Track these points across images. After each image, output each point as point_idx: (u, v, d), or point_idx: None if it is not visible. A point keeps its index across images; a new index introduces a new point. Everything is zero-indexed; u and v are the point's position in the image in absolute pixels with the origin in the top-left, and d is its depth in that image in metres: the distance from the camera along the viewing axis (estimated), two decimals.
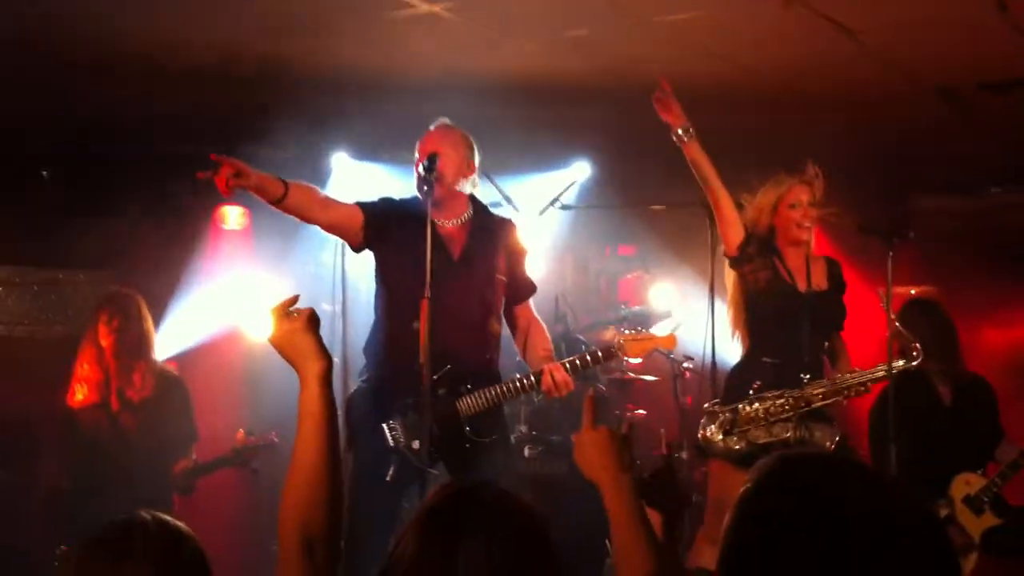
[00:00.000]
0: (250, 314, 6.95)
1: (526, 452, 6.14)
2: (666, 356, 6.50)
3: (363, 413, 4.25)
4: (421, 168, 4.09)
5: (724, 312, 5.36)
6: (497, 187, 5.69)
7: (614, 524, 2.14)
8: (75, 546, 1.90)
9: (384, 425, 4.16)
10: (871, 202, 5.10)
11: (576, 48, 5.63)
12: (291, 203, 4.09)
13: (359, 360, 4.45)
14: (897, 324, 4.61)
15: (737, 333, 4.79)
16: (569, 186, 6.55)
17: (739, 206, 4.76)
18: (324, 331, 6.16)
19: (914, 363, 4.54)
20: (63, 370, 5.32)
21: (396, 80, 6.13)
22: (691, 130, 4.60)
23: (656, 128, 6.19)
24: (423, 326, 3.92)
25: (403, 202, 4.34)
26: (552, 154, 7.13)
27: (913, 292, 6.76)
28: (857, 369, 4.58)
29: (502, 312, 4.39)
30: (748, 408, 4.53)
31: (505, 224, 4.49)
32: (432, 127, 4.38)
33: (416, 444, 4.09)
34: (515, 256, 4.43)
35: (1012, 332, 7.26)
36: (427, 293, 3.92)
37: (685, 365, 6.32)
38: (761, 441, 4.45)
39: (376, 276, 4.37)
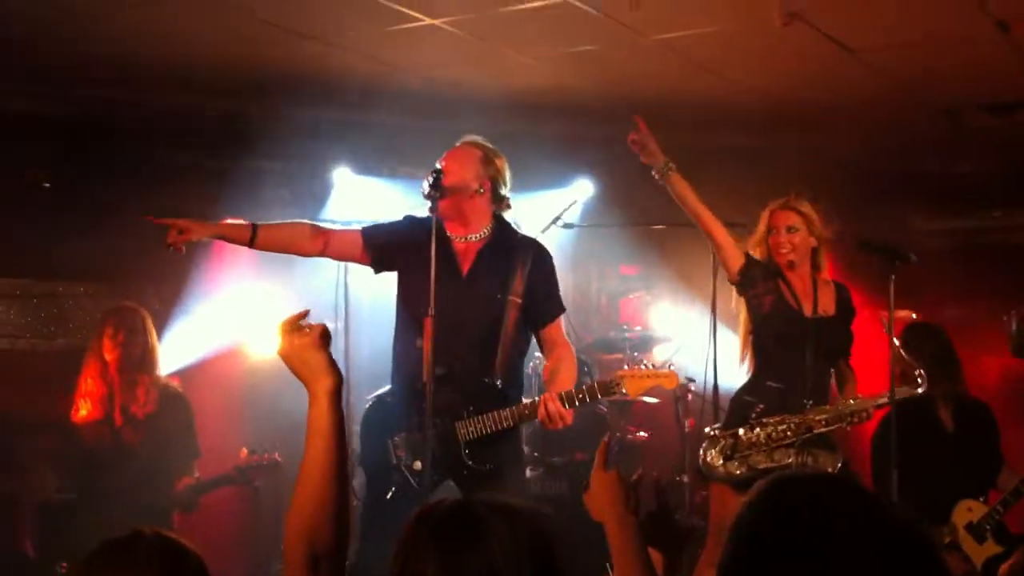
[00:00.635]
0: (253, 330, 6.95)
1: (527, 473, 6.12)
2: None
3: (372, 428, 4.24)
4: (424, 183, 4.09)
5: (726, 334, 5.38)
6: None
7: (618, 563, 2.19)
8: (79, 561, 1.88)
9: (389, 441, 4.14)
10: (871, 223, 5.09)
11: (578, 65, 5.64)
12: (264, 244, 4.24)
13: (362, 376, 4.45)
14: (900, 349, 4.61)
15: (745, 356, 4.78)
16: (571, 204, 6.55)
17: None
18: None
19: (919, 390, 4.53)
20: (64, 383, 5.31)
21: (398, 94, 6.13)
22: (671, 165, 4.61)
23: (660, 145, 6.18)
24: (426, 343, 3.91)
25: (419, 219, 4.31)
26: (554, 172, 7.13)
27: (915, 316, 6.75)
28: (860, 396, 4.57)
29: (519, 334, 4.25)
30: (749, 433, 4.51)
31: (528, 244, 4.38)
32: (458, 143, 4.37)
33: (417, 464, 4.05)
34: (537, 277, 4.29)
35: (1013, 356, 7.23)
36: (431, 310, 3.90)
37: (688, 387, 6.30)
38: (762, 466, 4.43)
39: (396, 293, 4.36)
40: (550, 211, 6.30)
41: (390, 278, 4.40)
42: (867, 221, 4.79)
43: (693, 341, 5.89)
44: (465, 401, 4.10)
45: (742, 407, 4.66)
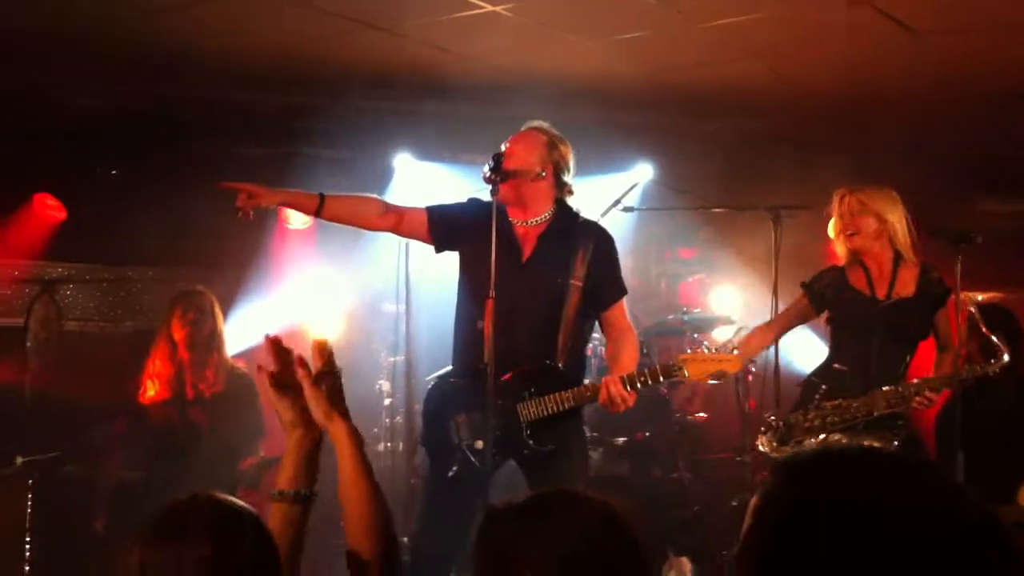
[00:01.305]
0: (315, 311, 7.04)
1: (590, 454, 6.15)
2: None
3: (434, 408, 4.27)
4: (485, 167, 4.11)
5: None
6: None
7: (350, 472, 2.14)
8: (143, 527, 1.95)
9: (451, 422, 4.19)
10: (937, 205, 5.02)
11: (634, 50, 5.63)
12: (332, 214, 4.28)
13: (424, 359, 4.49)
14: (982, 327, 4.58)
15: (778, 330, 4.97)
16: (631, 188, 6.53)
17: None
18: (388, 331, 6.24)
19: (1004, 362, 4.46)
20: (133, 366, 5.43)
21: (459, 80, 6.17)
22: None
23: (716, 131, 6.18)
24: (487, 325, 3.93)
25: (482, 203, 4.31)
26: (614, 156, 7.13)
27: (980, 298, 6.65)
28: (924, 377, 4.53)
29: (581, 317, 4.25)
30: (803, 418, 4.50)
31: (590, 228, 4.36)
32: (521, 128, 4.39)
33: (479, 443, 4.07)
34: (599, 260, 4.27)
35: None
36: (491, 292, 3.91)
37: (749, 369, 6.28)
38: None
39: (459, 276, 4.39)
40: (610, 195, 6.28)
41: (450, 261, 4.43)
42: (936, 205, 4.74)
43: (754, 323, 5.85)
44: (527, 383, 4.12)
45: (809, 388, 4.69)
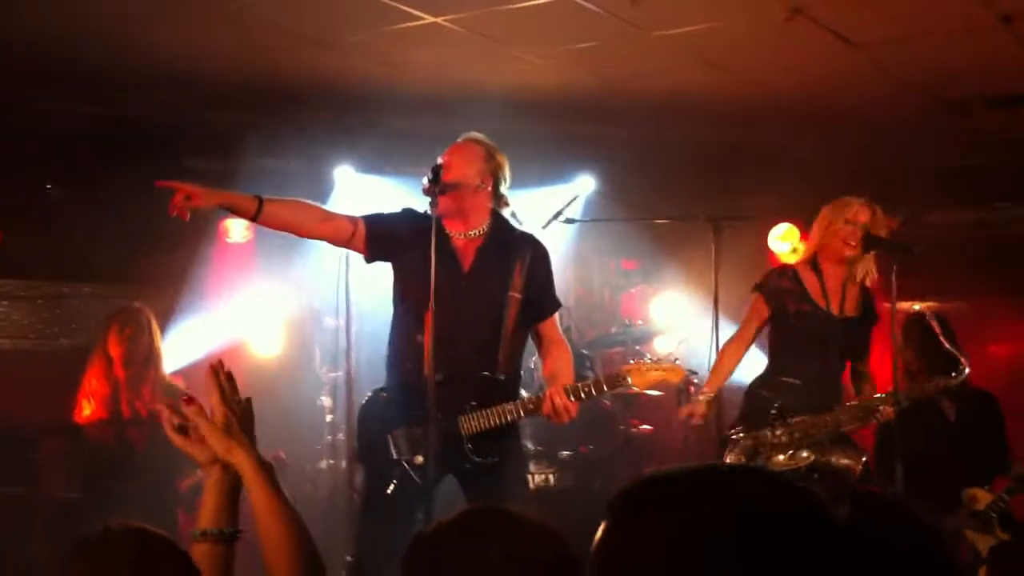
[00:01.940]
0: (255, 328, 6.96)
1: (532, 467, 6.13)
2: None
3: (371, 423, 4.24)
4: (425, 179, 4.09)
5: (728, 327, 5.38)
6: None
7: (261, 502, 2.10)
8: (66, 559, 1.89)
9: (389, 436, 4.15)
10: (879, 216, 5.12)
11: (580, 62, 5.65)
12: (268, 219, 4.15)
13: (365, 373, 4.45)
14: (941, 337, 4.64)
15: (739, 344, 4.85)
16: (573, 200, 6.55)
17: None
18: (330, 345, 6.16)
19: (963, 375, 4.52)
20: (69, 383, 5.32)
21: (400, 93, 6.14)
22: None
23: (661, 141, 6.20)
24: (427, 339, 3.92)
25: (418, 215, 4.30)
26: (556, 167, 7.14)
27: (918, 307, 6.75)
28: (880, 394, 4.57)
29: (519, 329, 4.26)
30: (770, 434, 4.50)
31: (526, 240, 4.38)
32: (459, 139, 4.37)
33: (418, 459, 4.06)
34: (535, 273, 4.29)
35: (1019, 346, 7.25)
36: (431, 305, 3.90)
37: (690, 380, 6.30)
38: (784, 467, 4.42)
39: (393, 288, 4.36)
40: (552, 206, 6.30)
41: (391, 274, 4.39)
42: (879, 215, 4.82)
43: (694, 334, 5.89)
44: (468, 396, 4.11)
45: (759, 403, 4.65)
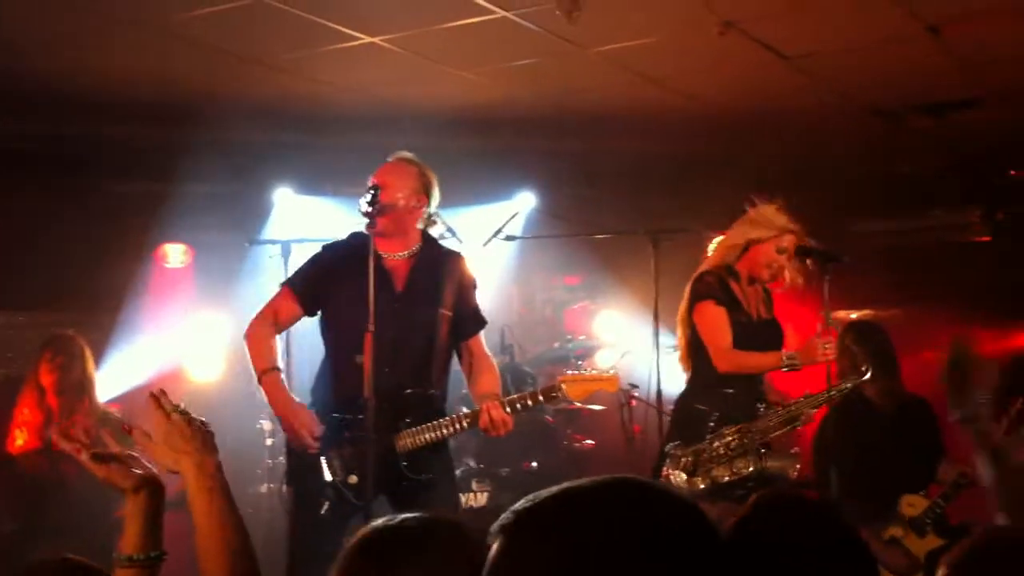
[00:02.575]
0: (192, 354, 6.88)
1: (474, 485, 6.12)
2: None
3: (302, 449, 4.18)
4: (362, 200, 4.08)
5: (669, 340, 5.40)
6: (440, 219, 5.69)
7: (200, 506, 2.14)
8: None
9: (322, 458, 4.12)
10: (807, 225, 5.16)
11: (519, 79, 5.67)
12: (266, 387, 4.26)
13: (304, 396, 4.40)
14: (849, 341, 4.67)
15: (688, 361, 4.80)
16: (513, 216, 6.57)
17: None
18: None
19: (864, 377, 4.57)
20: (2, 414, 5.20)
21: (338, 112, 6.13)
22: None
23: (598, 157, 6.22)
24: (367, 359, 3.90)
25: (338, 244, 4.36)
26: (496, 185, 7.16)
27: (854, 316, 6.85)
28: (808, 393, 4.60)
29: (449, 346, 4.33)
30: (708, 447, 4.52)
31: (452, 257, 4.43)
32: (389, 159, 4.37)
33: (353, 479, 4.06)
34: (463, 290, 4.37)
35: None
36: (371, 327, 3.90)
37: (632, 394, 6.33)
38: (725, 479, 4.44)
39: (321, 312, 4.35)
40: (492, 224, 6.31)
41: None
42: (804, 225, 4.86)
43: (636, 348, 5.92)
44: (402, 414, 4.12)
45: (697, 416, 4.62)
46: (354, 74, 5.55)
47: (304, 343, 6.13)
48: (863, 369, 4.53)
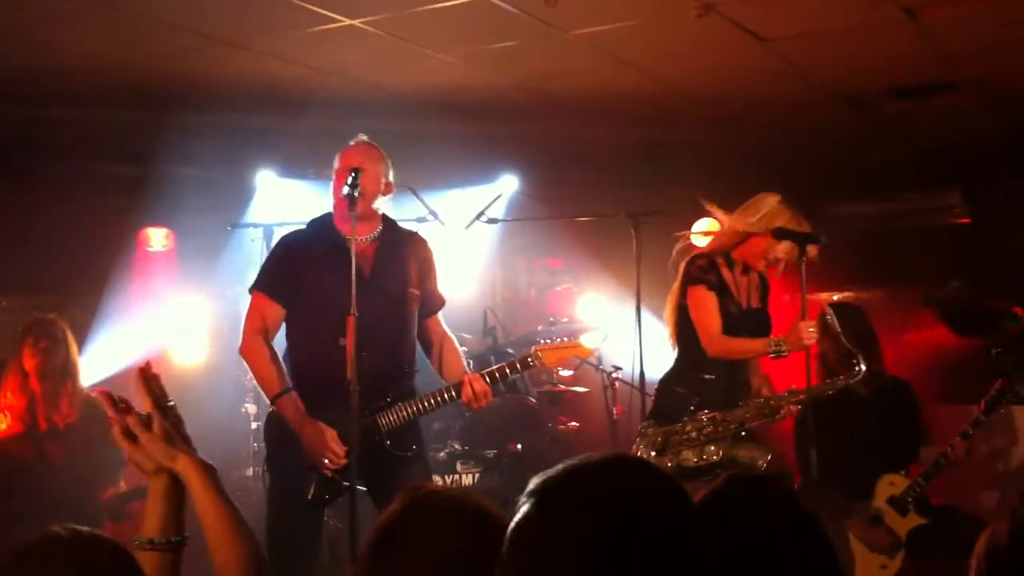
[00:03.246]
0: (176, 336, 6.87)
1: (459, 467, 6.14)
2: (595, 367, 6.57)
3: (280, 433, 4.20)
4: (347, 183, 4.08)
5: (651, 322, 5.43)
6: (423, 202, 5.70)
7: (204, 504, 2.11)
8: None
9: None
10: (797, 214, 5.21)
11: (499, 62, 5.67)
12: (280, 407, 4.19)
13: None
14: (836, 328, 4.68)
15: (675, 343, 4.82)
16: (495, 199, 6.57)
17: None
18: None
19: (856, 379, 4.60)
20: None
21: (320, 95, 6.11)
22: None
23: (580, 140, 6.23)
24: (349, 342, 3.92)
25: (294, 235, 4.41)
26: (478, 168, 7.16)
27: (835, 298, 6.89)
28: (793, 388, 4.61)
29: (416, 324, 4.39)
30: (681, 429, 4.56)
31: (413, 238, 4.50)
32: (353, 143, 4.38)
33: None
34: (425, 269, 4.44)
35: (931, 334, 7.42)
36: (354, 311, 3.92)
37: (614, 376, 6.37)
38: (692, 462, 4.48)
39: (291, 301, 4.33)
40: (474, 207, 6.31)
41: None
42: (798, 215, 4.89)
43: (619, 330, 5.94)
44: (383, 393, 4.19)
45: (677, 400, 4.66)
46: (336, 56, 5.53)
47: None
48: (859, 366, 4.53)
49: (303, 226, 4.51)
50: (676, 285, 4.79)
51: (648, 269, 5.33)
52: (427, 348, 4.49)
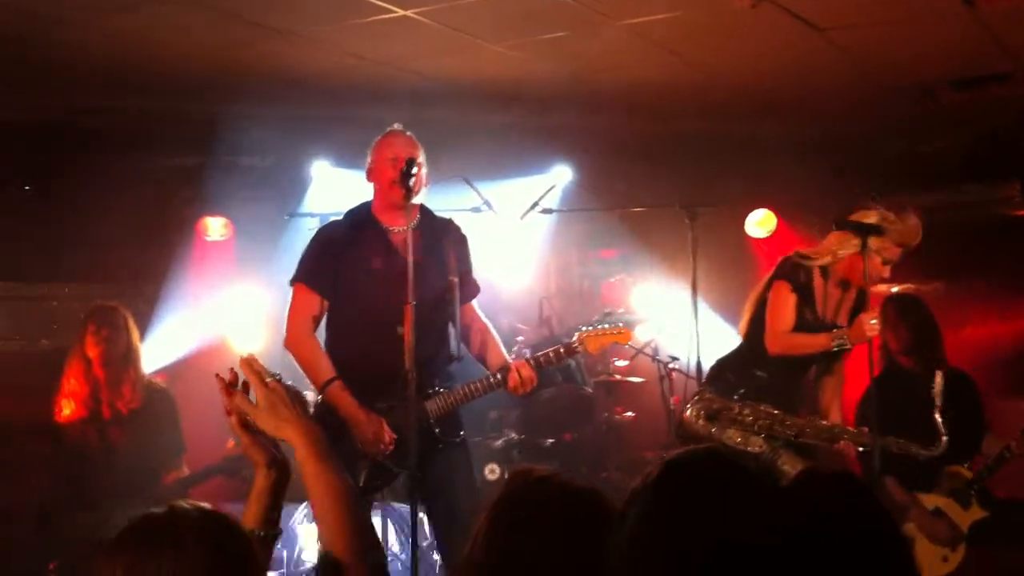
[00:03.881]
0: (236, 325, 6.95)
1: (516, 456, 6.17)
2: (652, 358, 6.55)
3: (332, 420, 4.20)
4: (404, 172, 4.11)
5: (707, 314, 5.40)
6: (477, 191, 5.71)
7: (312, 473, 2.13)
8: (106, 547, 1.80)
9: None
10: (842, 200, 5.11)
11: (551, 52, 5.65)
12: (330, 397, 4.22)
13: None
14: (891, 314, 4.61)
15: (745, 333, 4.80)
16: (550, 190, 6.57)
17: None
18: None
19: (934, 454, 4.52)
20: (50, 385, 5.30)
21: (374, 86, 6.14)
22: None
23: (635, 131, 6.19)
24: (407, 331, 3.94)
25: (334, 225, 4.47)
26: (532, 158, 7.16)
27: (895, 289, 6.80)
28: (863, 429, 4.54)
29: (458, 310, 4.41)
30: (737, 408, 4.54)
31: (449, 225, 4.53)
32: (392, 133, 4.40)
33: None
34: (463, 256, 4.48)
35: (995, 327, 7.30)
36: (411, 300, 3.94)
37: (671, 366, 6.35)
38: (734, 442, 4.46)
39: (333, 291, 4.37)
40: (528, 197, 6.31)
41: None
42: (843, 202, 4.81)
43: (675, 321, 5.91)
44: (432, 381, 4.25)
45: (724, 385, 4.68)
46: (388, 47, 5.55)
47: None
48: (942, 440, 4.45)
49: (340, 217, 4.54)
50: (766, 277, 4.77)
51: (704, 260, 5.30)
52: (466, 335, 4.50)
